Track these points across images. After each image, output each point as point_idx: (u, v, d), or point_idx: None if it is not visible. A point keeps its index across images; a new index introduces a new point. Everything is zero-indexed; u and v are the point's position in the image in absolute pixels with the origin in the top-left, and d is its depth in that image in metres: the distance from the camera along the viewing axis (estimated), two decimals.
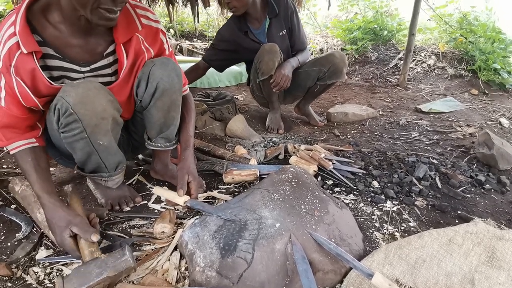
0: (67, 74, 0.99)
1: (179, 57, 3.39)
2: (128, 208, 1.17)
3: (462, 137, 1.96)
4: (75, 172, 1.39)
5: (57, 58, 0.96)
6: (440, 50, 3.48)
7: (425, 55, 3.56)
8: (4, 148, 0.99)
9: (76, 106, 0.90)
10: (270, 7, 1.91)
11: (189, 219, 1.12)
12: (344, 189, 1.34)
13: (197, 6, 2.85)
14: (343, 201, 1.24)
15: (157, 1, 2.88)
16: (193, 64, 2.18)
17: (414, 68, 3.47)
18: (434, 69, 3.38)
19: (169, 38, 4.05)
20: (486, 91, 2.96)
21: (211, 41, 4.47)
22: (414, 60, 3.54)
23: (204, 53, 3.87)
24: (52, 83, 0.93)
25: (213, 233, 0.86)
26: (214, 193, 1.30)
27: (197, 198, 1.14)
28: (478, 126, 2.17)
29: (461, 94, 2.93)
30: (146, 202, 1.22)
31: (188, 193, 1.11)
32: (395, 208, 1.20)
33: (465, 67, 3.26)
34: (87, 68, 1.02)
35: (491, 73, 3.07)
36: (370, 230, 1.08)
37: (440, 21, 3.65)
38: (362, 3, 4.36)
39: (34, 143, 0.99)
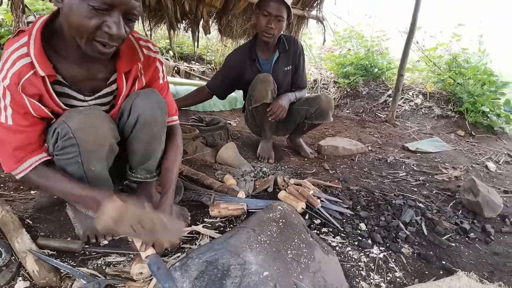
0: (70, 102, 1.00)
1: (177, 79, 3.42)
2: (106, 242, 1.12)
3: (447, 179, 2.00)
4: (55, 197, 1.34)
5: (65, 85, 0.97)
6: (427, 90, 3.63)
7: (412, 94, 3.71)
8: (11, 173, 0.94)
9: (77, 131, 0.91)
10: (281, 43, 2.02)
11: (172, 255, 1.07)
12: (331, 229, 1.32)
13: (198, 32, 2.93)
14: (330, 243, 1.22)
15: (159, 25, 2.94)
16: (190, 86, 2.20)
17: (402, 106, 3.59)
18: (421, 108, 3.51)
19: (167, 59, 4.12)
20: (473, 133, 3.03)
21: (208, 65, 4.58)
22: (402, 98, 3.67)
23: (203, 76, 3.95)
24: (62, 105, 0.94)
25: (194, 280, 0.82)
26: (199, 227, 1.26)
27: (162, 253, 1.03)
28: (464, 169, 2.21)
29: (447, 135, 3.03)
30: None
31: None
32: (381, 255, 1.18)
33: (452, 108, 3.37)
34: (91, 97, 1.04)
35: (478, 115, 3.09)
36: (357, 279, 1.05)
37: (429, 62, 3.84)
38: (355, 40, 4.59)
39: (47, 157, 0.97)
